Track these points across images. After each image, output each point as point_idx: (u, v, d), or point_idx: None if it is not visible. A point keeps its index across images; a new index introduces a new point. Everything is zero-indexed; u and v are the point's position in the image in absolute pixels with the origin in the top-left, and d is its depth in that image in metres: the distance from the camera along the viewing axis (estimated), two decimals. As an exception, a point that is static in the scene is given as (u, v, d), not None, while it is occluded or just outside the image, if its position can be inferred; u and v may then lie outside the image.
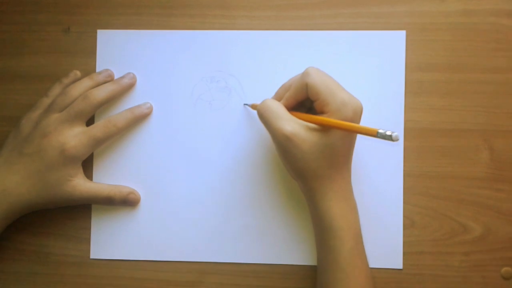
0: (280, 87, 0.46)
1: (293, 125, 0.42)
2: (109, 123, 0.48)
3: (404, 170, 0.48)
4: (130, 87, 0.50)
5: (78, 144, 0.46)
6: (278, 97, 0.46)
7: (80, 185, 0.47)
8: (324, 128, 0.42)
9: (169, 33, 0.50)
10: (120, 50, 0.50)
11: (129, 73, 0.50)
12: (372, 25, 0.49)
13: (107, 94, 0.48)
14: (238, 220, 0.49)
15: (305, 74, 0.43)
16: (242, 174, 0.49)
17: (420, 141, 0.48)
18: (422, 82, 0.49)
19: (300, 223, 0.49)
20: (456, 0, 0.49)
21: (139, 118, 0.49)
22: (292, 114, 0.43)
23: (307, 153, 0.42)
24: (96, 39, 0.50)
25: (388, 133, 0.37)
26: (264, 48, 0.49)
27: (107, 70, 0.50)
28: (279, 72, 0.49)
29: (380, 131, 0.38)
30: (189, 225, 0.49)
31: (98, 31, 0.50)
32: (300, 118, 0.43)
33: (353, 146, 0.44)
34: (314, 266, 0.48)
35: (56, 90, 0.49)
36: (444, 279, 0.48)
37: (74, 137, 0.46)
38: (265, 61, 0.49)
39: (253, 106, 0.48)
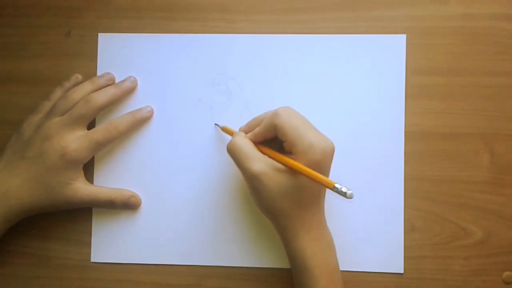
0: (253, 119, 0.46)
1: (261, 164, 0.42)
2: (110, 126, 0.48)
3: (404, 174, 0.48)
4: (131, 90, 0.50)
5: (79, 147, 0.46)
6: (248, 128, 0.45)
7: (81, 188, 0.47)
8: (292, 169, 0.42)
9: (169, 37, 0.50)
10: (121, 54, 0.50)
11: (130, 76, 0.50)
12: (372, 29, 0.49)
13: (108, 97, 0.48)
14: (238, 223, 0.49)
15: (274, 114, 0.43)
16: (242, 177, 0.49)
17: (421, 145, 0.48)
18: (422, 85, 0.49)
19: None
20: (457, 4, 0.49)
21: (140, 122, 0.49)
22: (261, 149, 0.43)
23: (274, 193, 0.42)
24: (97, 42, 0.50)
25: (344, 190, 0.37)
26: (264, 51, 0.49)
27: (108, 73, 0.50)
28: (279, 76, 0.49)
29: (337, 185, 0.38)
30: (189, 228, 0.49)
31: (99, 34, 0.50)
32: (268, 154, 0.43)
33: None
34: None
35: (57, 93, 0.49)
36: (445, 284, 0.48)
37: (75, 140, 0.46)
38: (265, 64, 0.49)
39: (224, 129, 0.48)
